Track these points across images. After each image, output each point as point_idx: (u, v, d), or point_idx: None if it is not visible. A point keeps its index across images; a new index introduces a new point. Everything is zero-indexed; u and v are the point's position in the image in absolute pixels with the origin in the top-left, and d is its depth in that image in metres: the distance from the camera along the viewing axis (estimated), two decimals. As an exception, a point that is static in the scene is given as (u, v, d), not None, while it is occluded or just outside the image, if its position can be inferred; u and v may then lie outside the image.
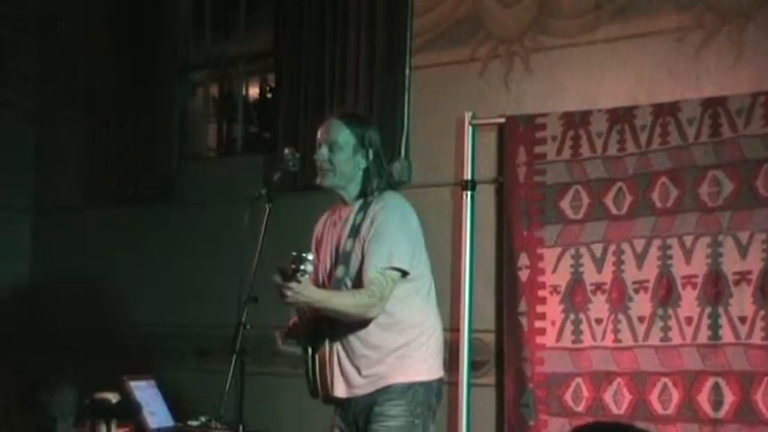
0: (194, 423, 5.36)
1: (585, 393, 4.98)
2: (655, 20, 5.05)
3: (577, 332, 5.02)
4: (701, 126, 4.81)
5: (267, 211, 4.23)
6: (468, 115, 5.42)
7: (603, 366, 4.95)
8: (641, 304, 4.89)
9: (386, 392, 3.83)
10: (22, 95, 7.37)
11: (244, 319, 4.10)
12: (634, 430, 4.62)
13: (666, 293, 4.83)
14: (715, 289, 4.72)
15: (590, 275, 5.02)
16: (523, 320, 5.12)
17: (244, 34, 6.88)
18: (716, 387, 4.68)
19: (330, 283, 3.96)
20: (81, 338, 6.87)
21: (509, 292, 5.19)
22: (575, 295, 5.04)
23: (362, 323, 3.88)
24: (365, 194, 3.98)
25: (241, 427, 4.40)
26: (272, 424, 5.80)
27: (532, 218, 5.17)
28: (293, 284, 3.70)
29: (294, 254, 3.70)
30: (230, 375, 4.07)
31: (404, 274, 3.88)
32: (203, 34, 7.04)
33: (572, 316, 5.04)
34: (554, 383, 5.03)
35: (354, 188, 4.02)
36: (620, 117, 5.03)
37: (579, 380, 5.00)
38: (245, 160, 6.60)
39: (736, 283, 4.68)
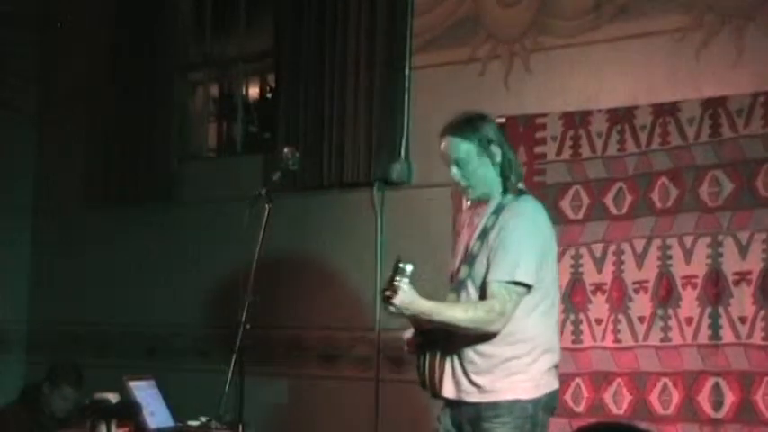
0: (194, 423, 5.35)
1: (585, 393, 4.98)
2: (655, 20, 5.05)
3: (577, 332, 5.02)
4: (702, 126, 4.81)
5: (267, 210, 4.22)
6: (467, 115, 5.40)
7: (603, 366, 4.95)
8: (641, 304, 4.89)
9: (493, 408, 3.67)
10: (22, 95, 7.36)
11: (244, 319, 4.09)
12: (636, 430, 4.65)
13: (666, 293, 4.83)
14: (715, 289, 4.72)
15: (590, 275, 5.02)
16: (523, 321, 5.10)
17: (244, 34, 6.89)
18: (716, 387, 4.68)
19: (454, 284, 3.82)
20: (81, 338, 6.86)
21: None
22: (575, 295, 5.05)
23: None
24: (503, 193, 3.83)
25: (241, 427, 4.38)
26: (272, 424, 5.81)
27: (532, 218, 5.16)
28: (396, 294, 3.61)
29: (396, 263, 3.62)
30: (230, 375, 4.07)
31: (528, 287, 3.70)
32: (203, 34, 7.04)
33: (572, 316, 5.04)
34: (554, 384, 5.02)
35: (497, 187, 3.82)
36: (621, 117, 5.04)
37: (579, 380, 5.00)
38: (244, 160, 6.60)
39: (737, 283, 4.68)
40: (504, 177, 3.80)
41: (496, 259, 3.65)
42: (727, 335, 4.68)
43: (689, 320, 4.77)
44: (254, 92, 6.98)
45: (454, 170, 3.82)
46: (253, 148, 6.76)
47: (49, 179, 7.37)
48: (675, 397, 4.78)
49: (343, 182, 5.95)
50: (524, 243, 3.67)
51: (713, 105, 4.79)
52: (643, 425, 4.73)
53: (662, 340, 4.83)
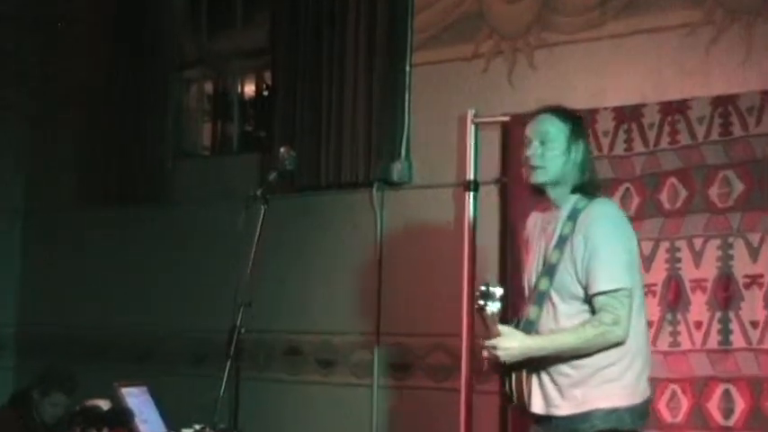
0: (188, 431, 5.32)
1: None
2: (663, 15, 5.02)
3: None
4: (712, 124, 4.77)
5: (262, 212, 4.19)
6: (470, 113, 5.39)
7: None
8: (649, 309, 4.77)
9: (587, 419, 3.62)
10: (14, 94, 7.33)
11: (239, 324, 4.07)
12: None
13: (675, 297, 4.79)
14: (725, 293, 4.68)
15: (594, 279, 4.98)
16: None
17: (240, 31, 6.86)
18: (726, 394, 4.64)
19: (533, 296, 3.75)
20: (72, 342, 6.82)
21: (514, 298, 5.14)
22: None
23: None
24: (575, 195, 3.78)
25: (236, 435, 4.35)
26: (268, 432, 5.80)
27: (537, 219, 5.12)
28: (496, 341, 3.57)
29: (481, 289, 3.55)
30: (224, 381, 4.04)
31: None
32: (199, 31, 7.02)
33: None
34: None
35: (565, 188, 3.76)
36: (628, 115, 5.01)
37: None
38: (240, 159, 6.60)
39: (747, 286, 4.64)
40: (581, 177, 3.76)
41: (593, 272, 3.60)
42: (737, 340, 4.63)
43: (698, 325, 4.73)
44: (249, 90, 6.97)
45: (535, 145, 3.75)
46: (248, 147, 6.75)
47: (41, 179, 7.35)
48: (684, 404, 4.73)
49: (341, 182, 5.93)
50: (613, 246, 3.63)
51: (723, 103, 4.76)
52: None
53: (670, 345, 4.79)
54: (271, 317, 5.89)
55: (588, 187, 3.77)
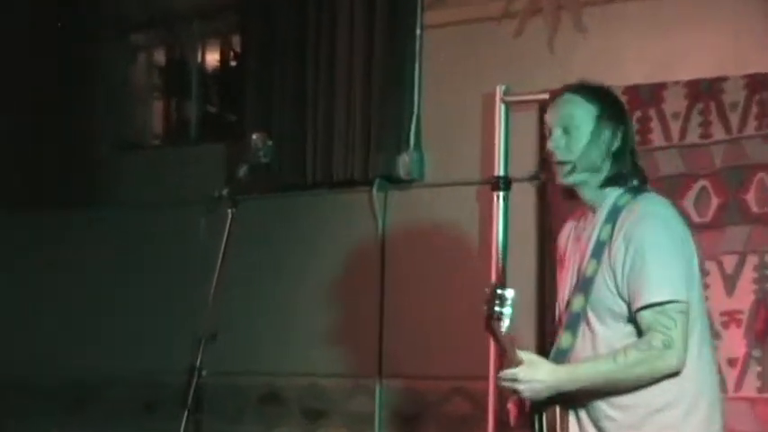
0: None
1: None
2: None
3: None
4: (815, 106, 4.81)
5: (230, 217, 4.16)
6: (499, 90, 5.38)
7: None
8: (732, 343, 4.85)
9: None
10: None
11: (199, 363, 4.03)
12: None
13: (765, 327, 4.81)
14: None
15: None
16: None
17: (200, -17, 6.92)
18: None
19: (565, 319, 3.77)
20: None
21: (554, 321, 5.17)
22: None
23: None
24: (615, 191, 3.77)
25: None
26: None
27: (585, 226, 5.14)
28: (516, 371, 3.57)
29: (496, 292, 3.56)
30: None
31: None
32: (147, -18, 7.07)
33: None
34: None
35: (597, 184, 3.77)
36: (704, 92, 5.01)
37: None
38: (201, 150, 6.62)
39: None
40: (619, 169, 3.74)
41: (638, 282, 3.58)
42: None
43: (795, 362, 4.76)
44: (213, 59, 7.00)
45: (557, 134, 3.74)
46: (211, 134, 6.78)
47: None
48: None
49: (333, 180, 5.96)
50: (664, 250, 3.61)
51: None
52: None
53: (759, 391, 4.81)
54: (242, 354, 5.90)
55: (630, 180, 3.75)
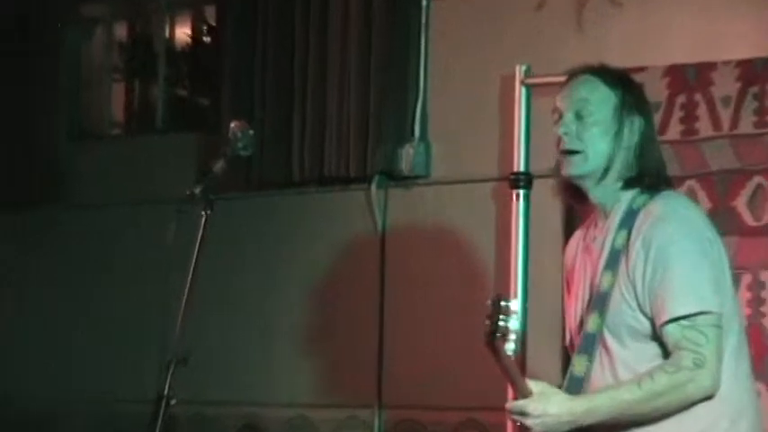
0: None
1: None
2: None
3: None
4: None
5: (203, 219, 4.11)
6: (519, 71, 5.36)
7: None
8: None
9: None
10: None
11: (166, 390, 3.97)
12: None
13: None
14: None
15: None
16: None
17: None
18: None
19: (580, 341, 3.77)
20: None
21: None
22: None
23: None
24: (630, 191, 3.77)
25: None
26: None
27: (619, 229, 5.15)
28: (525, 404, 3.55)
29: (501, 304, 3.51)
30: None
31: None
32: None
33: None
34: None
35: (611, 181, 3.78)
36: (759, 74, 5.00)
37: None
38: (168, 141, 6.65)
39: None
40: (639, 166, 3.72)
41: (661, 294, 3.57)
42: None
43: None
44: (183, 35, 7.03)
45: (568, 119, 3.74)
46: (182, 122, 6.81)
47: None
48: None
49: (323, 176, 5.97)
50: (689, 256, 3.59)
51: None
52: None
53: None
54: (218, 380, 5.93)
55: (649, 179, 3.74)
